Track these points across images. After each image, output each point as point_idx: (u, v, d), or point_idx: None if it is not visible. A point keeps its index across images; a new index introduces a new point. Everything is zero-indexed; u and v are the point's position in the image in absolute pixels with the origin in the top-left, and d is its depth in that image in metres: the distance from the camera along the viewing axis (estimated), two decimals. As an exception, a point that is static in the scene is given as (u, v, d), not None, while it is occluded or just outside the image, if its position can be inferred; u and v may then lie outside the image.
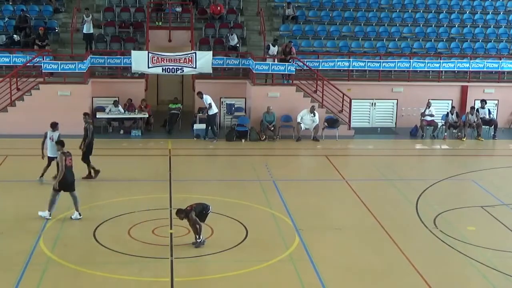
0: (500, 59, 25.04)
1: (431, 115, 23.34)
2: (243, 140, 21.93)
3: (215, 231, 13.62)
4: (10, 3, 26.14)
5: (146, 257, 12.30)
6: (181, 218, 12.71)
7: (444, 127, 23.39)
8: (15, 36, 24.30)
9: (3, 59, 22.91)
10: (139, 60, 22.59)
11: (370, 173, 18.63)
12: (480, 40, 26.63)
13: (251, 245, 13.07)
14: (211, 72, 23.24)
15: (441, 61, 24.74)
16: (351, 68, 24.24)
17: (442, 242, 13.44)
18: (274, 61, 23.31)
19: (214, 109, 21.64)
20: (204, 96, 21.66)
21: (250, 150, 21.06)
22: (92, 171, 17.03)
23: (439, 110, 23.76)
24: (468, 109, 23.66)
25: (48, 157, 16.56)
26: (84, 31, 23.99)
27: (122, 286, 11.25)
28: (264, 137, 22.11)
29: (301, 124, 22.13)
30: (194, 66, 22.77)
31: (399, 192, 16.79)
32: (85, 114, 17.91)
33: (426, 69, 24.78)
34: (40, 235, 13.18)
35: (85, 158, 17.05)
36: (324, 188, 17.25)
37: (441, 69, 24.76)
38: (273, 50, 23.70)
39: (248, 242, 13.22)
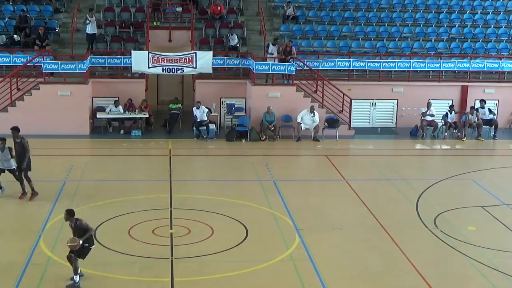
0: (501, 59, 25.03)
1: (432, 115, 23.32)
2: (243, 140, 21.93)
3: (215, 231, 13.63)
4: (10, 3, 26.12)
5: (146, 257, 12.30)
6: (65, 218, 11.25)
7: (444, 127, 23.38)
8: (15, 36, 24.29)
9: (3, 59, 22.89)
10: (139, 60, 22.57)
11: (370, 173, 18.62)
12: (481, 40, 26.62)
13: (251, 245, 13.07)
14: (211, 72, 23.23)
15: (441, 61, 24.72)
16: (351, 68, 24.24)
17: (442, 242, 13.44)
18: (274, 61, 23.30)
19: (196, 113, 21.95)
20: (200, 107, 21.96)
21: (250, 150, 21.05)
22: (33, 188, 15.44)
23: (439, 110, 23.73)
24: (468, 109, 23.65)
25: None
26: (88, 32, 23.99)
27: (122, 286, 11.25)
28: (264, 137, 22.12)
29: (301, 124, 22.13)
30: (194, 66, 22.76)
31: (399, 192, 16.79)
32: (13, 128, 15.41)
33: (426, 69, 24.76)
34: (40, 235, 13.19)
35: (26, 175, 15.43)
36: (324, 188, 17.25)
37: (441, 69, 24.74)
38: (272, 49, 23.68)
39: (248, 242, 13.22)
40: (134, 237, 13.23)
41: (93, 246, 11.38)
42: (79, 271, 11.11)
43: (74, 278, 11.08)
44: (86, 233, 11.12)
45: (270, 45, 23.85)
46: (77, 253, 11.10)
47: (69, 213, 11.26)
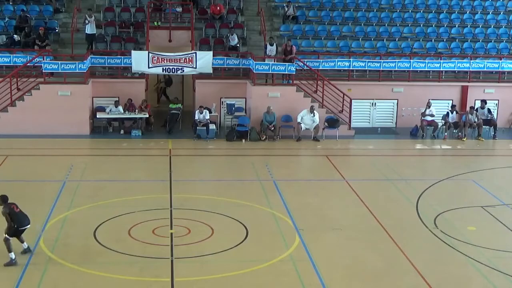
0: (501, 59, 25.02)
1: (432, 115, 23.33)
2: (243, 140, 21.92)
3: (215, 231, 13.63)
4: (11, 3, 26.12)
5: (146, 257, 12.30)
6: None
7: (444, 127, 23.38)
8: (15, 36, 24.27)
9: (3, 59, 22.88)
10: (139, 60, 22.56)
11: (370, 173, 18.62)
12: (481, 40, 26.62)
13: (251, 245, 13.07)
14: (212, 72, 23.22)
15: (442, 61, 24.71)
16: (351, 68, 24.23)
17: (442, 242, 13.44)
18: (274, 61, 23.29)
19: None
20: (204, 112, 22.01)
21: (250, 150, 21.05)
22: None
23: (439, 110, 23.73)
24: (467, 109, 23.66)
25: None
26: (87, 32, 23.99)
27: (122, 286, 11.25)
28: (265, 137, 22.11)
29: (301, 124, 22.13)
30: (195, 66, 22.75)
31: (399, 192, 16.78)
32: None
33: (426, 69, 24.75)
34: (40, 235, 13.17)
35: None
36: (324, 188, 17.25)
37: (441, 69, 24.73)
38: (270, 49, 23.65)
39: (248, 242, 13.22)
40: (134, 237, 13.23)
41: (27, 226, 12.04)
42: (12, 249, 11.77)
43: (10, 256, 11.72)
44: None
45: (268, 46, 23.80)
46: (9, 233, 11.87)
47: (2, 199, 12.04)
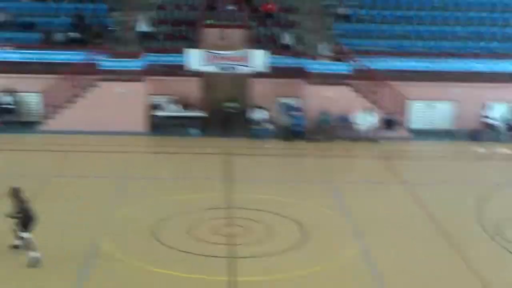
0: None
1: (492, 118, 22.64)
2: (300, 140, 21.63)
3: (274, 232, 13.46)
4: (66, 1, 26.40)
5: (205, 256, 12.16)
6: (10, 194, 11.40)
7: (506, 130, 22.66)
8: (71, 34, 24.52)
9: (60, 57, 23.10)
10: (193, 58, 22.54)
11: (430, 176, 18.22)
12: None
13: (310, 247, 12.87)
14: (266, 70, 23.01)
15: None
16: (409, 69, 23.63)
17: (505, 250, 13.02)
18: (327, 61, 22.96)
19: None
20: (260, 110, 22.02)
21: (307, 151, 20.85)
22: None
23: (501, 112, 23.00)
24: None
25: None
26: (140, 30, 24.08)
27: (179, 284, 11.16)
28: (321, 137, 21.78)
29: (358, 125, 21.74)
30: (249, 65, 22.60)
31: (462, 197, 16.30)
32: None
33: (488, 71, 23.95)
34: (100, 232, 13.15)
35: None
36: (383, 191, 16.94)
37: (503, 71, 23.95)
38: (323, 48, 23.29)
39: (307, 244, 13.02)
40: (193, 235, 13.15)
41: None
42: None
43: (34, 255, 11.36)
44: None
45: (321, 45, 23.46)
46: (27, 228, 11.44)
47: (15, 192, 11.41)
